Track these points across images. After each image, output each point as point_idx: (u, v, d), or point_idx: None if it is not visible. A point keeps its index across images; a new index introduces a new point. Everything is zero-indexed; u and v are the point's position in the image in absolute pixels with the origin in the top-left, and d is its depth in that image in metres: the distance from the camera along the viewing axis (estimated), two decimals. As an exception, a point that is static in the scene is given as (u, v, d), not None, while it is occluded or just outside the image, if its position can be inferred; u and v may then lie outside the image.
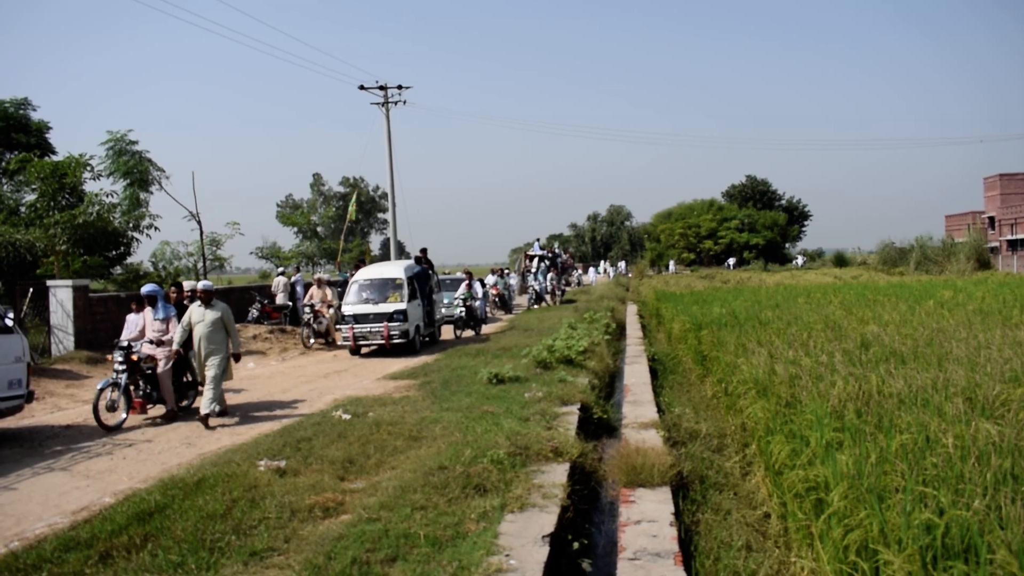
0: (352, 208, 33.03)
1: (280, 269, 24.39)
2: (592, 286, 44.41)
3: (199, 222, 26.29)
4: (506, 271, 31.56)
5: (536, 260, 44.19)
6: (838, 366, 8.14)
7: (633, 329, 22.57)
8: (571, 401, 10.61)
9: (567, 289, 31.24)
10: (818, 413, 6.26)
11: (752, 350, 10.01)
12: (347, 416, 9.90)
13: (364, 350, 17.49)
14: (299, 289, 23.02)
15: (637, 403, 11.16)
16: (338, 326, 17.94)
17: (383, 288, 17.25)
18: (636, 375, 13.71)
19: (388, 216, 65.70)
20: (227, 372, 10.68)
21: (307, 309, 18.71)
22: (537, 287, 30.72)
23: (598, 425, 10.52)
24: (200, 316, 10.55)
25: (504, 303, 28.20)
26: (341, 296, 20.03)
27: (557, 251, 51.51)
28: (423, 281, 18.11)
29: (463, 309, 20.24)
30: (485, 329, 21.81)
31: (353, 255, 48.88)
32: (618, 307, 29.22)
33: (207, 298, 10.57)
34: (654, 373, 14.59)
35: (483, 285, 23.12)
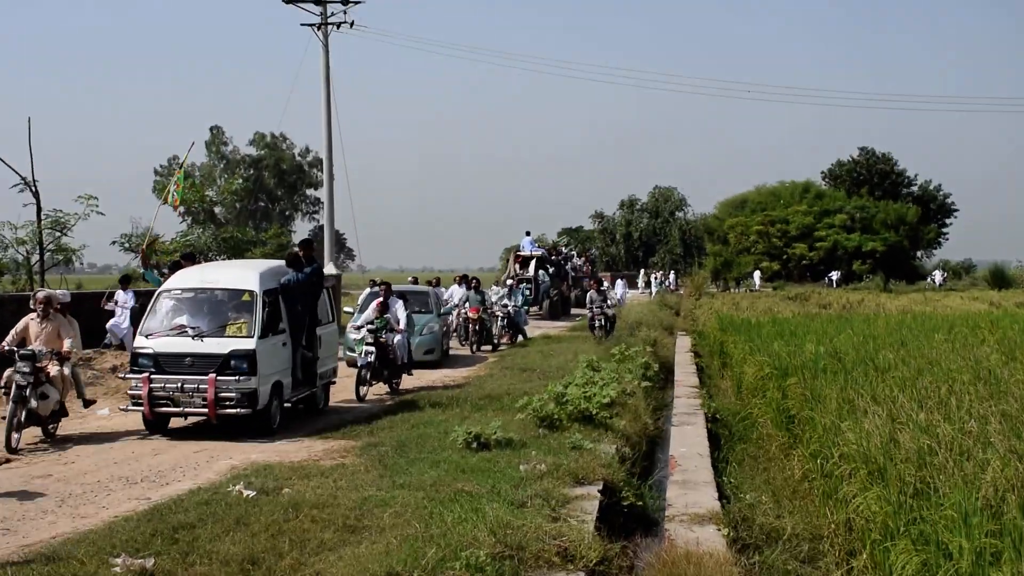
0: (177, 186, 23.93)
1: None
2: (620, 306, 44.26)
3: (35, 194, 26.19)
4: (476, 282, 29.03)
5: (533, 264, 43.78)
6: (994, 438, 8.09)
7: (685, 373, 22.50)
8: (589, 479, 10.56)
9: (611, 313, 28.94)
10: (964, 508, 6.21)
11: (864, 410, 9.97)
12: (250, 492, 9.81)
13: (174, 423, 14.54)
14: None
15: (688, 484, 11.10)
16: (126, 375, 14.67)
17: (216, 309, 14.37)
18: (688, 442, 13.67)
19: (322, 193, 65.49)
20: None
21: (20, 366, 13.16)
22: (511, 310, 29.65)
23: (629, 516, 10.45)
24: (37, 332, 9.98)
25: (484, 331, 27.72)
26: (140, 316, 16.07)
27: (565, 251, 51.14)
28: (296, 301, 15.34)
29: (370, 349, 17.70)
30: (445, 374, 21.19)
31: (268, 249, 48.75)
32: (663, 339, 29.19)
33: (47, 311, 9.66)
34: (715, 440, 14.52)
35: (404, 303, 20.04)
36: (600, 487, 10.34)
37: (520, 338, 29.96)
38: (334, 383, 17.45)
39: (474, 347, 27.21)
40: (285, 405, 14.88)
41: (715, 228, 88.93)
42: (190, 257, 18.38)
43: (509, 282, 34.91)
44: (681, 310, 47.95)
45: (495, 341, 28.50)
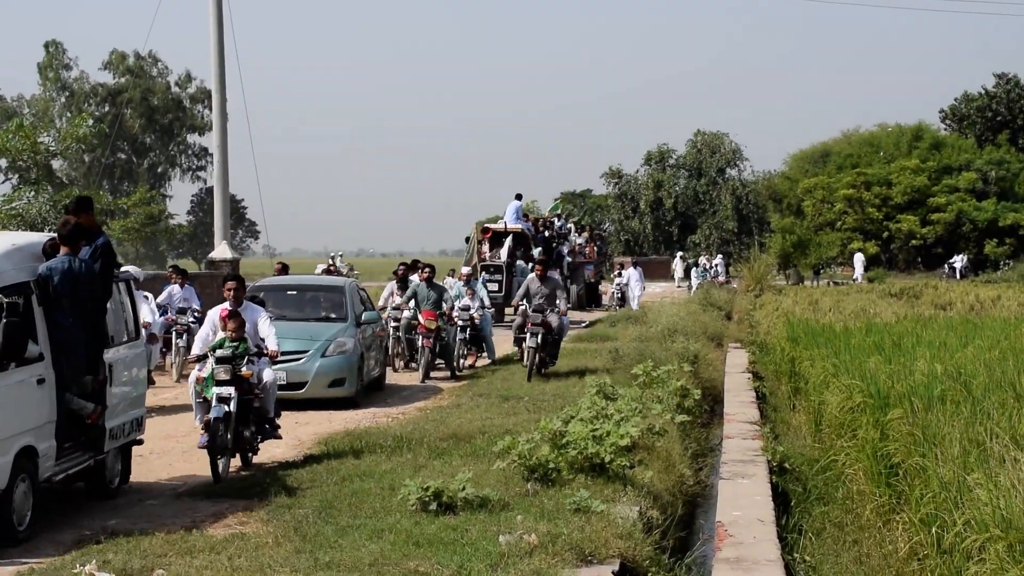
0: None
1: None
2: (634, 309, 44.08)
3: None
4: (428, 271, 27.14)
5: (508, 243, 42.23)
6: None
7: (739, 403, 22.54)
8: (600, 555, 10.61)
9: (557, 323, 24.91)
10: None
11: (1001, 457, 10.01)
12: (106, 575, 9.80)
13: None
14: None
15: (744, 564, 11.16)
16: None
17: None
18: (743, 503, 13.73)
19: (210, 141, 64.61)
20: None
21: None
22: (475, 315, 27.89)
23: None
24: None
25: (443, 349, 26.46)
26: None
27: (559, 225, 50.11)
28: (65, 306, 13.21)
29: (226, 391, 15.26)
30: (369, 415, 20.49)
31: (133, 220, 48.56)
32: (707, 354, 29.21)
33: None
34: (782, 500, 14.55)
35: (266, 308, 17.58)
36: (616, 567, 10.37)
37: (487, 357, 29.23)
38: (140, 442, 15.42)
39: (424, 373, 25.62)
40: (45, 485, 12.66)
41: (784, 193, 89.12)
42: None
43: (466, 270, 32.60)
44: (734, 312, 48.04)
45: (455, 364, 27.26)
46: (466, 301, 28.39)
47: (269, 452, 16.54)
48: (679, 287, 67.80)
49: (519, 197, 43.87)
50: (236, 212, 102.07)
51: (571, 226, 54.86)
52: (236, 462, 15.90)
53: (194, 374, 15.94)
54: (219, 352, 15.40)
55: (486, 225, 43.08)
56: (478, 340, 28.75)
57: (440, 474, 13.17)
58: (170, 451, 16.64)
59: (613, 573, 10.22)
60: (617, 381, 19.85)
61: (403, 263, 29.93)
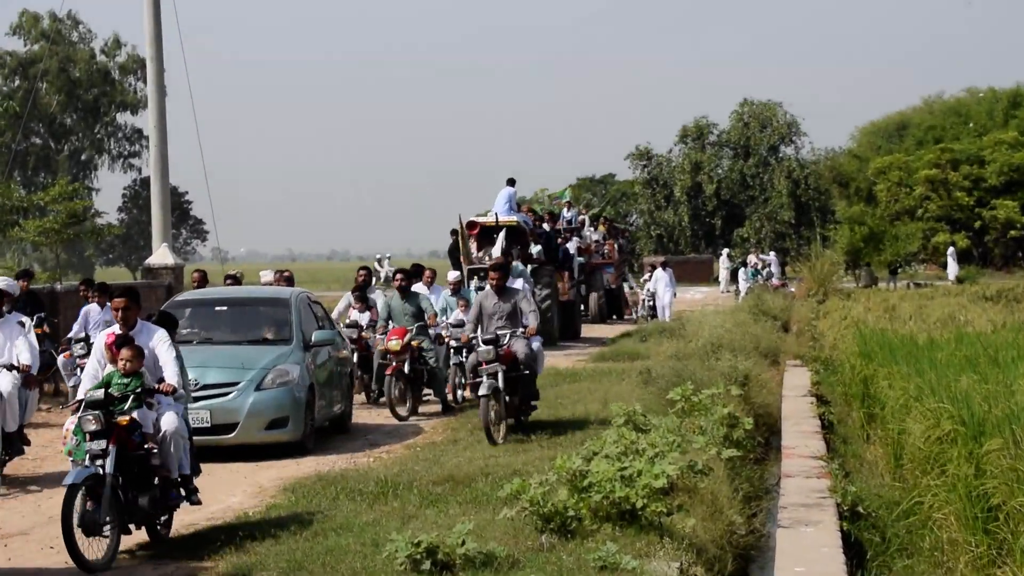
0: None
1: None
2: (663, 319, 44.26)
3: None
4: (402, 277, 26.20)
5: (501, 240, 41.27)
6: None
7: (800, 434, 22.56)
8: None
9: (527, 351, 21.69)
10: None
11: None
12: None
13: None
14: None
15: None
16: None
17: None
18: (808, 556, 13.73)
19: (145, 121, 64.46)
20: None
21: None
22: (476, 337, 24.57)
23: None
24: None
25: (430, 376, 25.64)
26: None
27: (572, 216, 49.78)
28: None
29: (99, 447, 13.48)
30: (332, 463, 19.71)
31: (51, 221, 48.76)
32: (760, 373, 29.22)
33: None
34: (856, 551, 14.55)
35: (175, 330, 15.66)
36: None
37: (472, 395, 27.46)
38: None
39: (407, 409, 24.83)
40: None
41: (852, 175, 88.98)
42: None
43: (454, 275, 31.12)
44: (792, 321, 48.03)
45: (451, 396, 26.68)
46: (458, 314, 27.18)
47: (224, 502, 16.50)
48: (725, 292, 68.00)
49: (512, 183, 42.47)
50: (178, 208, 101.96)
51: (585, 218, 54.40)
52: (142, 535, 14.23)
53: (68, 423, 14.46)
54: (91, 394, 13.73)
55: (472, 219, 41.18)
56: (478, 372, 26.77)
57: (435, 526, 13.17)
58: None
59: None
60: (650, 409, 19.86)
61: (363, 267, 29.54)
